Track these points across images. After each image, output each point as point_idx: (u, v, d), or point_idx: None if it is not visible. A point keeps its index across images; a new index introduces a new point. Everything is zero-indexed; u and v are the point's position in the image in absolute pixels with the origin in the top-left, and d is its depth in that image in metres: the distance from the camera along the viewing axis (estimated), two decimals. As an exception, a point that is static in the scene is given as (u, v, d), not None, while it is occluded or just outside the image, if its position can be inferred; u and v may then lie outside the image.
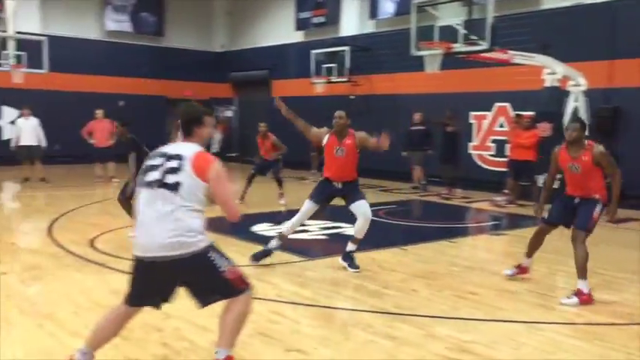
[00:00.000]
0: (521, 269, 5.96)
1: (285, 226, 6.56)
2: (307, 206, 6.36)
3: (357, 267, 6.20)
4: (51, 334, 4.22)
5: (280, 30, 19.36)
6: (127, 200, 7.51)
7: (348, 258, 6.27)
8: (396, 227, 9.40)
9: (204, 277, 3.37)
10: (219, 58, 21.58)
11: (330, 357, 3.97)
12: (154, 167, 3.34)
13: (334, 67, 16.50)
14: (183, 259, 3.23)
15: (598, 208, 5.37)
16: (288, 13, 19.03)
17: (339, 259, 6.36)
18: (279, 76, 19.39)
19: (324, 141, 6.46)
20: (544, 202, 5.89)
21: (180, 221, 3.21)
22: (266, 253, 6.37)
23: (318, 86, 16.67)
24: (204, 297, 3.44)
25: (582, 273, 5.29)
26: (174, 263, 3.23)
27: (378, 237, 8.34)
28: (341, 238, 8.13)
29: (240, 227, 9.03)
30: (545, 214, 5.77)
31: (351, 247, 6.30)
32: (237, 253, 6.80)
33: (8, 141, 14.79)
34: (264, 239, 7.64)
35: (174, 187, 3.23)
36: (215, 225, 8.75)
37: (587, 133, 5.61)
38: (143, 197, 3.32)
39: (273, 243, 6.42)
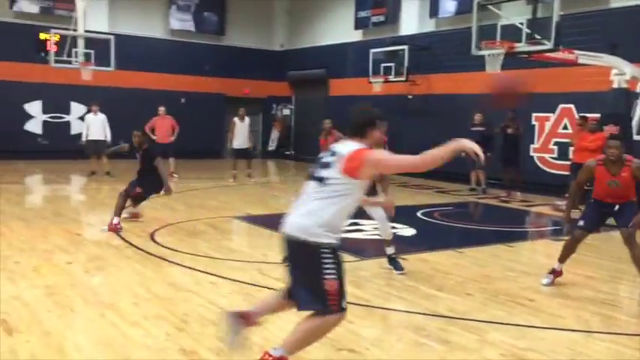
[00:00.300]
0: (556, 273, 5.89)
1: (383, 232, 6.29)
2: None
3: (401, 269, 6.16)
4: (112, 323, 4.38)
5: (339, 29, 19.39)
6: (127, 196, 8.07)
7: (392, 261, 6.23)
8: (452, 229, 9.27)
9: (307, 273, 3.39)
10: (278, 56, 21.80)
11: (381, 358, 3.96)
12: (319, 161, 3.51)
13: (392, 67, 16.39)
14: (299, 242, 3.34)
15: (636, 207, 5.49)
16: (347, 12, 19.03)
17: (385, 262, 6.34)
18: (336, 75, 19.43)
19: None
20: (570, 209, 5.94)
21: (317, 210, 3.33)
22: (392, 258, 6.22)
23: (376, 85, 16.59)
24: (300, 296, 3.45)
25: None
26: (292, 244, 3.39)
27: (433, 239, 8.28)
28: (395, 238, 8.09)
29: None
30: (581, 222, 5.78)
31: (389, 250, 6.23)
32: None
33: (77, 135, 15.46)
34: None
35: (320, 180, 3.39)
36: (269, 222, 8.91)
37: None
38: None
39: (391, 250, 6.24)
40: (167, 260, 6.28)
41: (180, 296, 5.08)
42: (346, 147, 3.40)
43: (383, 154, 3.43)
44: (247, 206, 10.31)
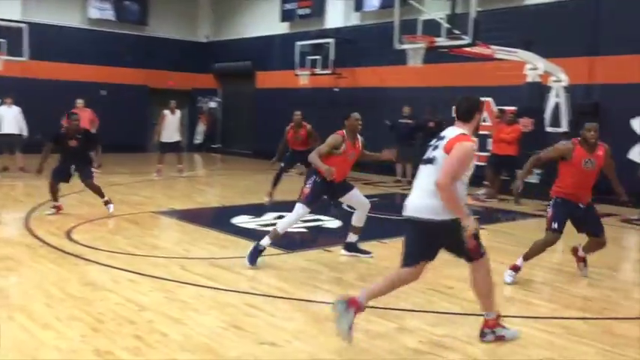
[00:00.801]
0: (517, 268, 5.79)
1: (280, 225, 6.25)
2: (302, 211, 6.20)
3: (368, 252, 6.51)
4: (22, 326, 4.17)
5: (265, 21, 19.24)
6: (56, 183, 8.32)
7: (354, 248, 6.49)
8: (377, 221, 9.39)
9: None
10: (203, 48, 21.40)
11: (302, 350, 3.96)
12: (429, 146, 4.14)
13: (319, 59, 16.44)
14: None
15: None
16: (273, 4, 18.91)
17: (341, 251, 6.57)
18: (263, 67, 19.29)
19: (343, 147, 6.21)
20: (522, 177, 6.08)
21: (427, 191, 3.93)
22: (259, 251, 6.05)
23: (302, 78, 16.61)
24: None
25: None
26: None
27: (358, 230, 8.36)
28: (320, 231, 8.15)
29: (220, 219, 9.03)
30: (554, 224, 5.65)
31: (353, 237, 6.50)
32: (217, 246, 6.83)
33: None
34: (244, 232, 7.64)
35: (429, 162, 4.02)
36: (193, 216, 8.76)
37: (568, 129, 5.73)
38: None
39: (266, 241, 6.08)
40: (84, 259, 6.04)
41: (97, 295, 4.90)
42: (454, 132, 4.03)
43: (460, 155, 3.91)
44: (171, 201, 10.08)
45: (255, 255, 5.90)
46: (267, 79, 19.21)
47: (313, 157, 6.07)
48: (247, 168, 16.41)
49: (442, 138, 4.06)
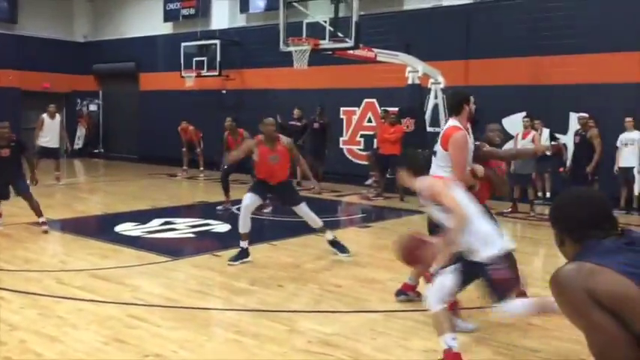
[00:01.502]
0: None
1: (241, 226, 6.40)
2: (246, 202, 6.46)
3: (347, 251, 6.66)
4: None
5: (148, 21, 18.61)
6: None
7: (336, 245, 6.65)
8: (267, 223, 9.39)
9: None
10: (81, 48, 20.33)
11: (190, 359, 3.85)
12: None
13: (205, 61, 16.15)
14: None
15: None
16: (155, 4, 18.35)
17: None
18: (147, 69, 18.66)
19: (256, 151, 6.48)
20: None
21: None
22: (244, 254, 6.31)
23: (189, 80, 16.24)
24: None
25: None
26: None
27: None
28: (209, 235, 8.00)
29: (102, 228, 8.60)
30: None
31: (328, 236, 6.68)
32: (98, 256, 6.49)
33: None
34: (129, 240, 7.32)
35: (433, 154, 4.49)
36: (72, 226, 8.28)
37: None
38: None
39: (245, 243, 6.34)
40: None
41: (-39, 317, 4.48)
42: (447, 125, 4.54)
43: (457, 146, 4.41)
44: (48, 210, 9.43)
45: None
46: (152, 81, 18.61)
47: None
48: (132, 173, 15.78)
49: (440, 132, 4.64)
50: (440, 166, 4.43)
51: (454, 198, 3.66)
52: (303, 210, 6.54)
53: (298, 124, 13.29)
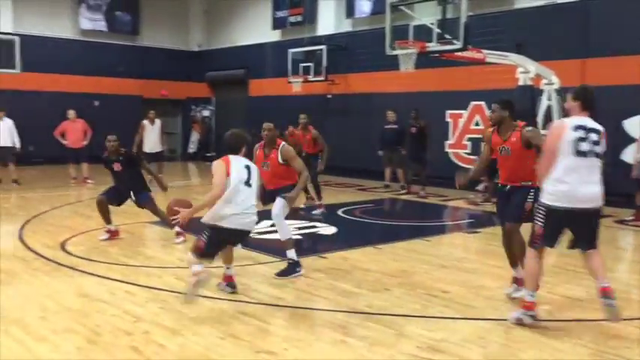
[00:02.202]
0: (519, 281, 5.29)
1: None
2: None
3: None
4: (17, 340, 4.15)
5: (257, 29, 19.27)
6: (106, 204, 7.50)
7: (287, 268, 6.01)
8: (371, 226, 9.42)
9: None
10: (195, 57, 21.42)
11: (299, 358, 3.95)
12: (582, 139, 4.40)
13: (311, 66, 16.47)
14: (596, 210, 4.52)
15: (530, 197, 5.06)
16: (264, 12, 18.96)
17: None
18: (256, 75, 19.32)
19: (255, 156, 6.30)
20: (471, 176, 5.77)
21: (599, 182, 4.49)
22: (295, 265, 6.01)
23: (295, 85, 16.62)
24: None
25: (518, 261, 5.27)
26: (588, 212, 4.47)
27: (353, 236, 8.38)
28: (315, 237, 8.15)
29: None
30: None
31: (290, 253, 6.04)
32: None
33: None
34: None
35: (599, 156, 4.47)
36: (190, 226, 8.70)
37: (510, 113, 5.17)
38: (571, 163, 4.39)
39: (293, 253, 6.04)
40: (79, 270, 6.02)
41: (93, 307, 4.88)
42: (594, 122, 4.51)
43: None
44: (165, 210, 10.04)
45: (291, 271, 5.89)
46: (261, 87, 19.23)
47: None
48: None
49: (594, 130, 4.44)
50: (599, 168, 4.55)
51: None
52: (276, 218, 6.02)
53: (394, 127, 13.14)
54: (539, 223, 4.53)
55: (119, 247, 7.17)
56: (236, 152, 5.25)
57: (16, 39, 14.92)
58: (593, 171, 4.46)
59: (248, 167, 5.15)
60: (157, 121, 13.52)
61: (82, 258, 6.50)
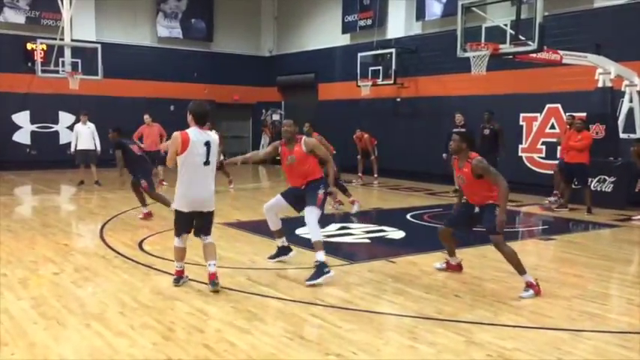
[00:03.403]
0: (450, 266, 6.32)
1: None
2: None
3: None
4: (98, 333, 4.35)
5: (326, 33, 19.44)
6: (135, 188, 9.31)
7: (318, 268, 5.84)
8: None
9: None
10: (266, 62, 21.83)
11: (368, 362, 3.95)
12: None
13: (380, 70, 16.43)
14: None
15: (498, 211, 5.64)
16: (334, 16, 19.09)
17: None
18: (325, 79, 19.47)
19: (279, 152, 6.39)
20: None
21: None
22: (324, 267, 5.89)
23: (364, 89, 16.64)
24: None
25: (519, 269, 5.56)
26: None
27: (422, 241, 8.29)
28: (384, 241, 8.12)
29: (284, 231, 9.12)
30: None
31: (320, 256, 5.91)
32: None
33: (65, 145, 15.38)
34: (308, 243, 7.68)
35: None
36: (258, 228, 8.88)
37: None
38: None
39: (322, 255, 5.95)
40: (155, 269, 6.26)
41: (168, 304, 5.06)
42: None
43: None
44: (236, 212, 10.29)
45: (320, 273, 5.75)
46: (330, 91, 19.36)
47: None
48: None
49: None
50: None
51: None
52: (309, 217, 5.99)
53: (462, 130, 12.81)
54: None
55: (191, 247, 7.37)
56: (203, 124, 5.50)
57: (99, 47, 15.67)
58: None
59: (208, 143, 5.42)
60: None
61: (158, 257, 6.75)
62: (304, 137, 6.34)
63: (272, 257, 6.65)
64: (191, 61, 20.10)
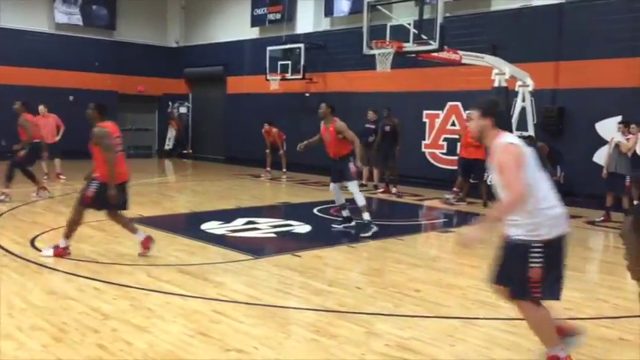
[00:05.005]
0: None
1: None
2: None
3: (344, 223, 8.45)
4: (-19, 337, 4.07)
5: (236, 26, 19.19)
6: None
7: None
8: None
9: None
10: (173, 53, 21.26)
11: (270, 357, 3.94)
12: None
13: (289, 65, 16.44)
14: None
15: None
16: (243, 9, 18.88)
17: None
18: (234, 72, 19.24)
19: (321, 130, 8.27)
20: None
21: None
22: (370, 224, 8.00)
23: (273, 83, 16.59)
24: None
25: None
26: None
27: (328, 235, 8.38)
28: (290, 235, 8.14)
29: (189, 226, 8.95)
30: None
31: (366, 216, 8.07)
32: (185, 253, 6.77)
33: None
34: (214, 238, 7.59)
35: None
36: (161, 223, 8.66)
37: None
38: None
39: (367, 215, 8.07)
40: (48, 267, 5.93)
41: (60, 304, 4.81)
42: None
43: None
44: (140, 208, 9.94)
45: (368, 229, 7.91)
46: (238, 84, 19.16)
47: None
48: (218, 173, 16.32)
49: None
50: None
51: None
52: (351, 189, 8.01)
53: (372, 126, 13.08)
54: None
55: (89, 244, 7.08)
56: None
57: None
58: None
59: None
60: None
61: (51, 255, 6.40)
62: (337, 121, 8.05)
63: (338, 224, 8.43)
64: (92, 50, 19.20)
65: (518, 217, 3.48)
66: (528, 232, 3.46)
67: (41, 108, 13.28)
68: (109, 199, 6.13)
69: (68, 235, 6.34)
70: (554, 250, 3.48)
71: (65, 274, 5.71)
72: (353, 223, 8.29)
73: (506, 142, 3.54)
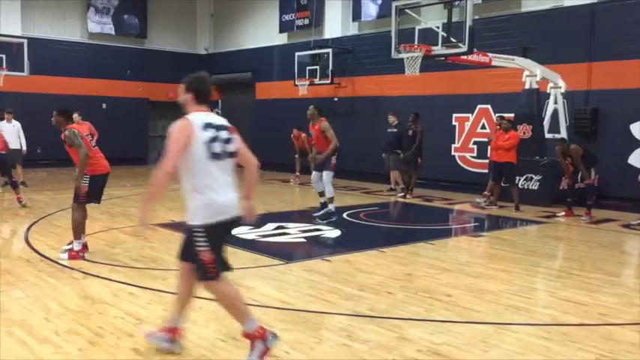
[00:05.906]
0: None
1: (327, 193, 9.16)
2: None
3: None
4: (20, 340, 4.17)
5: (264, 32, 19.35)
6: None
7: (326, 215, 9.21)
8: (375, 229, 9.42)
9: None
10: (202, 60, 21.50)
11: (301, 361, 3.96)
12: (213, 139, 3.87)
13: (317, 69, 16.51)
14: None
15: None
16: (271, 15, 19.03)
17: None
18: (262, 78, 19.38)
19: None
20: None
21: None
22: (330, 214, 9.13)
23: (302, 88, 16.68)
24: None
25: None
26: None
27: (357, 239, 8.39)
28: (320, 241, 8.16)
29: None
30: None
31: (331, 206, 9.21)
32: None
33: (-12, 144, 14.64)
34: (244, 243, 7.65)
35: (232, 155, 4.20)
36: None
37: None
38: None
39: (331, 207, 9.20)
40: (83, 272, 6.05)
41: (96, 309, 4.91)
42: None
43: None
44: (171, 213, 10.08)
45: (326, 217, 9.08)
46: (267, 90, 19.29)
47: None
48: (248, 179, 16.40)
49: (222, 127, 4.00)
50: None
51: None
52: (324, 178, 9.03)
53: (394, 130, 13.01)
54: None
55: (123, 249, 7.21)
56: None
57: (25, 42, 15.03)
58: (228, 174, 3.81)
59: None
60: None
61: (86, 260, 6.53)
62: (323, 120, 9.07)
63: (316, 211, 9.38)
64: (124, 58, 19.57)
65: (189, 201, 3.71)
66: (194, 216, 3.71)
67: (75, 116, 13.53)
68: (98, 188, 6.69)
69: (78, 237, 6.56)
70: (216, 234, 3.72)
71: (100, 279, 5.82)
72: (332, 209, 9.25)
73: (185, 118, 3.62)
